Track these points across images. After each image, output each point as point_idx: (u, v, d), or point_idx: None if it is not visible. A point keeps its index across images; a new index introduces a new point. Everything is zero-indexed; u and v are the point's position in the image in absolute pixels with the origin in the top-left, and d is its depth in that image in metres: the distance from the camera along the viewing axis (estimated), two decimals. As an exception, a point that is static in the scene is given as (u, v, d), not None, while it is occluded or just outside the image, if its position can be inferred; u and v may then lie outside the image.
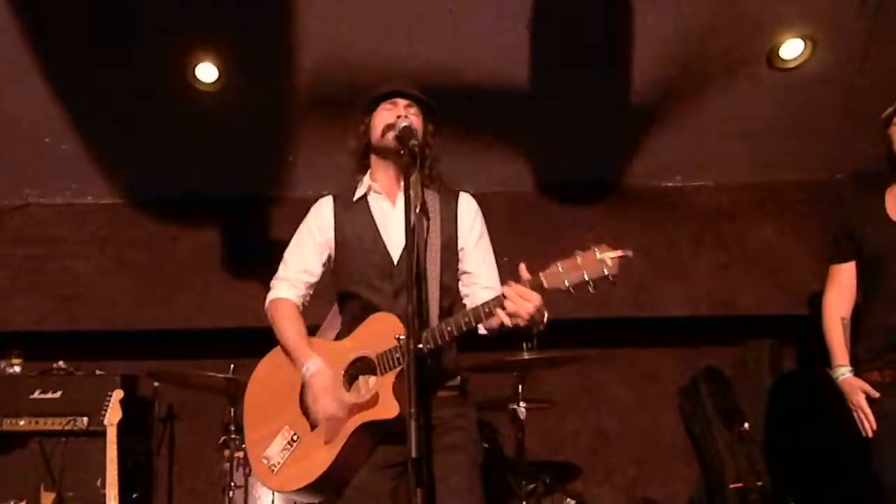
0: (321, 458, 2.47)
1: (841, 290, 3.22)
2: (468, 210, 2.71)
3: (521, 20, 4.17)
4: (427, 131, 2.70)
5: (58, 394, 4.56)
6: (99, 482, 4.13)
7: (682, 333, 5.18)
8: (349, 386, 2.51)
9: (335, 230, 2.69)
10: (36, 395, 4.56)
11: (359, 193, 2.69)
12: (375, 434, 2.47)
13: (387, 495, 2.48)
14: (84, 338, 5.03)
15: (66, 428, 4.47)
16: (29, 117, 4.59)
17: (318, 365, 2.53)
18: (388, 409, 2.37)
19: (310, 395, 2.52)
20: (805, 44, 4.28)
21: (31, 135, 4.70)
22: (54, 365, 4.73)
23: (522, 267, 2.32)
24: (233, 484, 3.97)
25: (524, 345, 4.00)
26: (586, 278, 2.24)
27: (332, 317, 2.79)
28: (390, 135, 2.61)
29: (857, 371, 3.07)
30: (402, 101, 2.69)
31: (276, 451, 2.57)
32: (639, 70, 4.40)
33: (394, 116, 2.64)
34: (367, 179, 2.70)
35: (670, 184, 5.13)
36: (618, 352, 5.32)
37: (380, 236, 2.62)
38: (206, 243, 5.12)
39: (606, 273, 2.23)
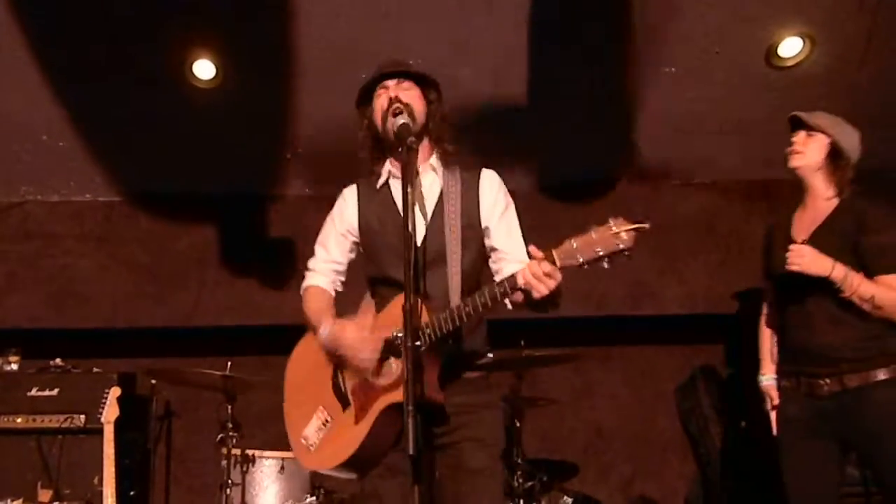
0: (352, 438, 2.51)
1: (772, 303, 3.37)
2: (490, 187, 2.66)
3: (519, 19, 4.17)
4: (429, 101, 2.67)
5: (55, 391, 4.55)
6: (96, 480, 4.13)
7: (679, 331, 5.19)
8: (379, 367, 2.52)
9: (359, 218, 2.70)
10: (33, 392, 4.54)
11: (381, 181, 2.69)
12: (402, 415, 2.47)
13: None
14: (81, 335, 5.02)
15: (64, 425, 4.46)
16: (26, 114, 4.57)
17: (328, 328, 2.57)
18: None
19: (342, 353, 2.54)
20: (804, 42, 4.27)
21: (28, 132, 4.69)
22: (51, 362, 4.71)
23: (533, 248, 2.29)
24: (230, 481, 3.97)
25: (522, 342, 4.01)
26: (601, 253, 2.17)
27: (367, 302, 2.79)
28: (390, 121, 2.57)
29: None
30: (391, 82, 2.66)
31: (312, 431, 2.63)
32: (637, 70, 4.40)
33: (387, 99, 2.61)
34: (387, 165, 2.69)
35: (669, 182, 5.13)
36: (615, 350, 5.33)
37: (402, 220, 2.61)
38: (203, 241, 5.11)
39: (622, 247, 2.16)
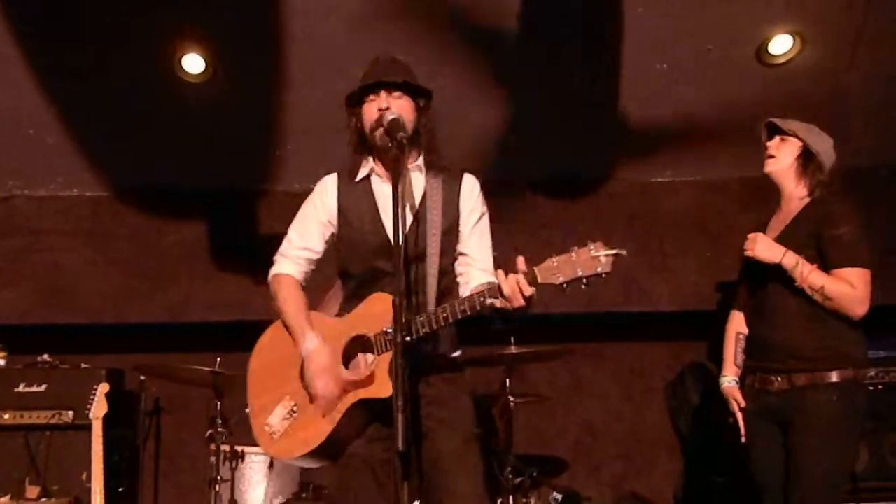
0: (319, 431, 2.57)
1: (742, 305, 3.41)
2: (471, 192, 2.72)
3: (512, 17, 4.16)
4: (418, 110, 2.67)
5: (43, 387, 4.53)
6: (84, 476, 4.11)
7: (669, 328, 5.20)
8: (348, 362, 2.58)
9: (338, 208, 2.72)
10: (21, 388, 4.52)
11: (361, 174, 2.71)
12: (371, 410, 2.55)
13: (380, 464, 2.55)
14: (69, 331, 4.99)
15: (52, 421, 4.44)
16: (13, 108, 4.54)
17: (315, 343, 2.60)
18: (383, 388, 2.45)
19: (308, 371, 2.60)
20: (794, 39, 4.29)
21: (14, 126, 4.65)
22: (39, 358, 4.68)
23: (521, 259, 2.35)
24: (219, 477, 3.97)
25: (512, 339, 4.01)
26: (580, 274, 2.30)
27: (336, 291, 2.83)
28: (379, 132, 2.60)
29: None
30: (383, 91, 2.65)
31: (277, 419, 2.66)
32: (628, 65, 4.40)
33: (377, 109, 2.61)
34: (370, 161, 2.71)
35: (659, 179, 5.14)
36: (605, 346, 5.34)
37: (379, 218, 2.65)
38: (192, 236, 5.09)
39: (600, 270, 2.29)
